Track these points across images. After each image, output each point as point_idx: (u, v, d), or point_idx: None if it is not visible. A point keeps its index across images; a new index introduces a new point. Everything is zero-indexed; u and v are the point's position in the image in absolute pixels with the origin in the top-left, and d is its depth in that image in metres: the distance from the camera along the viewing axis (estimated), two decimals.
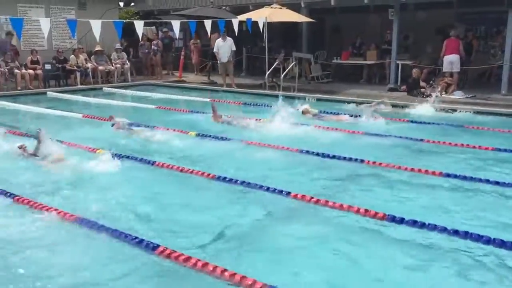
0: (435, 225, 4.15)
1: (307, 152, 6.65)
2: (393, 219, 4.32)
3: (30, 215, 4.42)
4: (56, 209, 4.43)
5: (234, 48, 14.42)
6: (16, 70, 13.22)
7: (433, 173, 5.71)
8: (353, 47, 16.02)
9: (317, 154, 6.56)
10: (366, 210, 4.49)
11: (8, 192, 4.87)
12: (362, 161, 6.23)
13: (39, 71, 13.70)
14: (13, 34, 14.35)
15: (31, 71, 13.52)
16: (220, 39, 14.30)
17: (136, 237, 3.85)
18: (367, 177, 5.76)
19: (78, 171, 5.78)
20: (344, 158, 6.34)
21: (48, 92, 12.81)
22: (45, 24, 11.80)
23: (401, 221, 4.28)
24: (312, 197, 4.84)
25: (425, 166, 5.94)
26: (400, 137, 7.60)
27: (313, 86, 14.58)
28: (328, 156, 6.47)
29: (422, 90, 12.17)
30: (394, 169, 5.93)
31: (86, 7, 17.11)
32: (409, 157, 6.57)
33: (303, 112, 9.38)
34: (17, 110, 10.62)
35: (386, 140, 7.55)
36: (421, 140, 7.44)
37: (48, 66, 14.08)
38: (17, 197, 4.75)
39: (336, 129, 8.22)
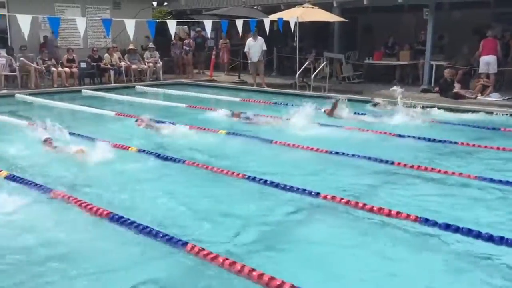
0: (469, 229, 4.05)
1: (337, 153, 6.59)
2: (425, 221, 4.23)
3: (64, 210, 4.52)
4: (89, 204, 4.52)
5: (265, 48, 14.43)
6: (53, 68, 13.58)
7: (468, 176, 5.57)
8: (386, 47, 15.78)
9: (347, 155, 6.49)
10: (398, 212, 4.42)
11: (44, 186, 4.98)
12: (392, 162, 6.13)
13: (74, 69, 14.04)
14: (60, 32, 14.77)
15: (67, 69, 13.87)
16: (251, 38, 14.34)
17: (165, 234, 3.88)
18: (398, 178, 5.67)
19: (109, 168, 5.90)
20: (375, 159, 6.26)
21: (83, 90, 13.11)
22: (81, 23, 12.10)
23: (434, 224, 4.19)
24: (342, 198, 4.79)
25: (459, 169, 5.80)
26: (431, 139, 7.45)
27: (344, 86, 14.44)
28: (358, 156, 6.40)
29: (456, 91, 11.89)
30: (426, 171, 5.82)
31: (121, 7, 17.43)
32: (442, 159, 6.43)
33: (334, 107, 9.52)
34: (52, 107, 10.89)
35: (417, 141, 7.42)
36: (455, 142, 7.27)
37: (83, 65, 14.42)
38: (54, 191, 4.85)
39: (365, 129, 8.12)
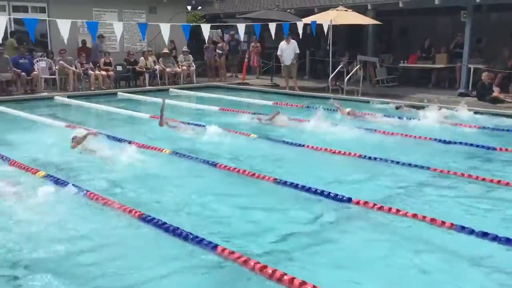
0: (508, 239, 3.92)
1: (370, 157, 6.50)
2: (462, 229, 4.12)
3: (97, 210, 4.62)
4: (122, 205, 4.60)
5: (297, 51, 14.40)
6: (90, 71, 13.94)
7: (507, 183, 5.39)
8: (422, 50, 15.48)
9: (380, 159, 6.40)
10: (433, 219, 4.32)
11: (78, 186, 5.10)
12: (428, 168, 6.00)
13: (111, 72, 14.37)
14: (104, 37, 15.19)
15: (103, 72, 14.20)
16: (284, 41, 14.34)
17: (196, 236, 3.91)
18: (433, 184, 5.55)
19: (142, 169, 6.00)
20: (409, 165, 6.14)
21: (118, 93, 13.39)
22: (118, 28, 12.38)
23: (471, 232, 4.07)
24: (375, 204, 4.72)
25: (497, 176, 5.63)
26: (468, 144, 7.26)
27: (378, 90, 14.26)
28: (391, 161, 6.30)
29: (495, 95, 11.55)
30: (463, 178, 5.67)
31: (157, 11, 17.73)
32: (478, 165, 6.26)
33: (348, 113, 9.54)
34: (89, 109, 11.17)
35: (452, 146, 7.25)
36: (494, 148, 7.06)
37: (119, 68, 14.74)
38: (88, 192, 4.97)
39: (398, 133, 7.99)
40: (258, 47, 17.55)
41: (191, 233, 3.97)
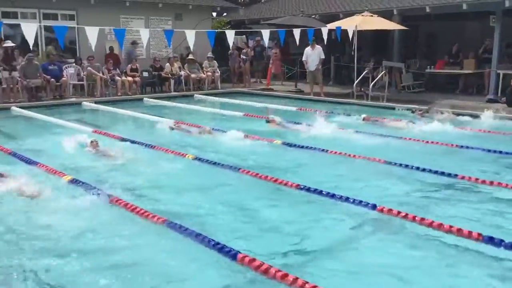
0: None
1: (395, 163, 6.41)
2: (490, 240, 4.01)
3: (121, 215, 4.66)
4: (145, 211, 4.63)
5: (322, 57, 14.34)
6: (117, 77, 14.18)
7: None
8: (449, 55, 15.22)
9: (406, 166, 6.30)
10: (459, 229, 4.21)
11: (103, 191, 5.15)
12: (455, 175, 5.87)
13: (137, 78, 14.58)
14: (138, 43, 15.45)
15: (130, 78, 14.42)
16: (309, 47, 14.31)
17: (217, 243, 3.90)
18: (460, 193, 5.42)
19: (165, 174, 6.07)
20: (436, 172, 6.02)
21: (144, 98, 13.57)
22: (144, 34, 12.57)
23: (500, 243, 3.95)
24: (399, 212, 4.64)
25: None
26: (496, 151, 7.08)
27: (404, 96, 14.07)
28: (418, 168, 6.19)
29: None
30: (491, 186, 5.53)
31: (182, 18, 17.95)
32: (508, 173, 6.09)
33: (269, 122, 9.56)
34: (116, 114, 11.34)
35: (480, 153, 7.09)
36: None
37: (145, 74, 14.95)
38: (112, 197, 5.02)
39: (423, 140, 7.86)
40: (278, 54, 17.52)
41: (212, 240, 3.96)
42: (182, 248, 4.00)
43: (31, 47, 11.25)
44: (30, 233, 4.27)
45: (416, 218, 4.48)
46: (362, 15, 14.56)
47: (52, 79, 13.05)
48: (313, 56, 14.24)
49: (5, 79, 12.64)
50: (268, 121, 9.65)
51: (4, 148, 7.16)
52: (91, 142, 7.10)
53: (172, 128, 8.87)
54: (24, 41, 11.38)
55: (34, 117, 10.52)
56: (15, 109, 11.31)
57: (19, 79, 12.62)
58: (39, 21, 14.91)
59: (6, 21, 13.53)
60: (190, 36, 12.69)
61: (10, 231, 4.33)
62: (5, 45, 12.99)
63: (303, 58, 14.57)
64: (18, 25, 11.60)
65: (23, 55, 13.20)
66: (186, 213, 4.77)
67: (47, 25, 13.92)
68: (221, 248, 3.83)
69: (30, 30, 10.43)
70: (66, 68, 13.92)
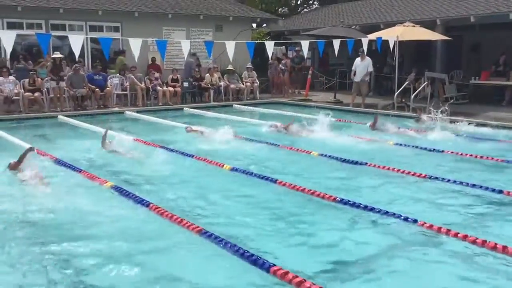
0: None
1: (436, 178, 6.24)
2: None
3: (159, 223, 4.73)
4: (182, 219, 4.67)
5: (370, 69, 14.17)
6: (159, 87, 14.49)
7: None
8: (496, 66, 14.74)
9: (448, 181, 6.12)
10: (505, 247, 4.04)
11: (143, 199, 5.27)
12: (500, 191, 5.66)
13: (178, 89, 14.86)
14: (196, 55, 15.78)
15: (171, 88, 14.72)
16: (359, 58, 14.23)
17: (252, 254, 3.88)
18: (506, 209, 5.21)
19: (203, 184, 6.14)
20: (481, 187, 5.82)
21: (184, 108, 13.80)
22: (185, 45, 12.82)
23: None
24: (440, 227, 4.50)
25: None
26: None
27: (447, 107, 13.68)
28: (459, 182, 6.00)
29: None
30: None
31: (223, 29, 18.21)
32: None
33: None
34: (156, 124, 11.56)
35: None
36: None
37: (186, 84, 15.22)
38: (152, 205, 5.11)
39: (467, 154, 7.62)
40: (288, 65, 17.36)
41: (246, 251, 3.95)
42: (214, 258, 4.01)
43: (77, 58, 11.66)
44: (70, 241, 4.40)
45: (459, 235, 4.33)
46: (404, 26, 14.34)
47: (97, 89, 13.48)
48: (361, 67, 14.15)
49: (52, 88, 13.16)
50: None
51: (50, 155, 7.42)
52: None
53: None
54: (71, 52, 11.82)
55: (78, 125, 10.88)
56: (61, 118, 11.74)
57: (66, 88, 13.11)
58: (85, 33, 15.49)
59: (55, 33, 14.10)
60: (230, 47, 12.85)
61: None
62: (54, 56, 13.54)
63: (352, 68, 14.50)
64: (65, 37, 12.09)
65: (70, 65, 13.72)
66: (219, 223, 4.80)
67: (93, 37, 14.41)
68: (255, 260, 3.81)
69: (77, 41, 10.81)
70: (111, 78, 14.35)
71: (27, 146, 7.90)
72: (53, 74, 13.29)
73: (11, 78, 12.77)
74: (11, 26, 14.53)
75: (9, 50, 10.32)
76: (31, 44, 15.20)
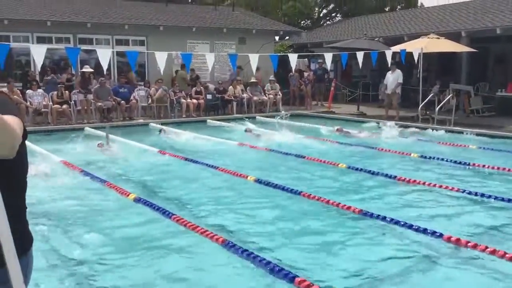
0: None
1: (463, 191, 6.14)
2: None
3: (180, 233, 4.77)
4: (205, 230, 4.69)
5: (399, 81, 14.08)
6: (183, 100, 14.68)
7: None
8: None
9: (475, 194, 6.02)
10: None
11: (165, 210, 5.33)
12: None
13: (201, 101, 15.02)
14: (242, 68, 15.96)
15: (194, 101, 14.89)
16: (390, 71, 14.21)
17: (275, 265, 3.87)
18: None
19: (226, 195, 6.19)
20: (509, 200, 5.71)
21: (207, 120, 13.92)
22: (210, 58, 12.99)
23: None
24: (468, 242, 4.42)
25: None
26: None
27: (472, 120, 13.51)
28: (488, 196, 5.90)
29: None
30: None
31: (246, 42, 18.38)
32: None
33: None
34: (180, 136, 11.66)
35: None
36: None
37: (209, 96, 15.38)
38: (173, 216, 5.16)
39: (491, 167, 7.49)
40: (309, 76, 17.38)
41: (270, 261, 3.95)
42: (237, 268, 4.02)
43: (105, 72, 11.92)
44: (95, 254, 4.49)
45: (488, 249, 4.25)
46: (428, 37, 14.24)
47: (123, 101, 13.73)
48: (391, 79, 14.16)
49: (80, 101, 13.47)
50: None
51: (77, 167, 7.58)
52: (98, 145, 8.76)
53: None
54: (97, 65, 12.10)
55: (104, 136, 11.05)
56: (88, 129, 11.98)
57: (92, 101, 13.40)
58: (112, 46, 15.83)
59: (83, 47, 14.46)
60: (253, 59, 12.96)
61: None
62: (84, 70, 13.89)
63: (384, 81, 14.54)
64: (92, 50, 12.40)
65: (97, 79, 14.03)
66: (243, 233, 4.81)
67: (120, 51, 14.73)
68: (278, 271, 3.81)
69: (105, 55, 11.07)
70: (137, 90, 14.60)
71: (55, 157, 8.10)
72: (82, 87, 13.61)
73: (40, 91, 13.14)
74: (40, 40, 14.96)
75: (39, 63, 10.64)
76: (59, 58, 15.61)
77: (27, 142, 1.78)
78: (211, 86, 15.86)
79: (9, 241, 1.30)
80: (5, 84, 12.59)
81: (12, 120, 1.54)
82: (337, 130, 11.51)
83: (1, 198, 1.32)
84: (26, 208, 1.86)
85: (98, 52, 11.21)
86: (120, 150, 9.14)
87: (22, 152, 1.64)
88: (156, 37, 16.53)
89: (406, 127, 11.99)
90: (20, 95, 12.71)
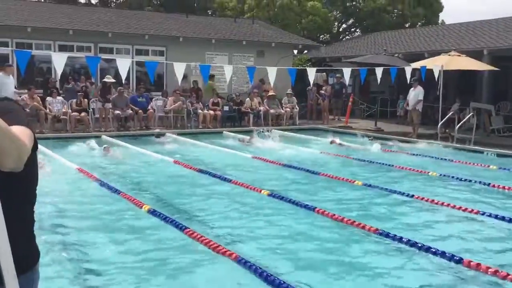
0: None
1: (483, 213, 5.97)
2: None
3: (193, 246, 4.70)
4: (217, 246, 4.59)
5: (420, 98, 13.85)
6: (199, 111, 14.70)
7: None
8: None
9: (496, 217, 5.84)
10: None
11: (179, 223, 5.26)
12: None
13: (218, 112, 15.03)
14: (265, 82, 15.92)
15: (211, 112, 14.90)
16: (412, 88, 14.08)
17: (288, 285, 3.78)
18: None
19: (240, 209, 6.12)
20: None
21: (223, 132, 13.90)
22: (228, 70, 13.00)
23: None
24: (489, 267, 4.26)
25: None
26: None
27: (493, 139, 13.24)
28: (509, 220, 5.72)
29: None
30: None
31: (264, 55, 18.40)
32: None
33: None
34: (196, 146, 11.66)
35: None
36: None
37: (226, 108, 15.38)
38: (187, 230, 5.07)
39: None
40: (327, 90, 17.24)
41: (284, 282, 3.85)
42: (244, 282, 3.93)
43: (123, 81, 12.00)
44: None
45: (510, 276, 4.08)
46: (449, 55, 14.07)
47: (140, 110, 13.80)
48: (412, 95, 14.00)
49: (98, 109, 13.58)
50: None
51: (92, 175, 7.59)
52: (104, 148, 9.37)
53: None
54: (117, 74, 12.19)
55: (120, 145, 11.11)
56: (105, 138, 12.04)
57: (111, 109, 13.49)
58: (132, 56, 15.99)
59: (103, 56, 14.62)
60: (272, 72, 12.93)
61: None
62: (106, 80, 14.01)
63: (407, 98, 14.41)
64: (113, 59, 12.52)
65: (115, 88, 14.14)
66: (258, 250, 4.72)
67: (140, 61, 14.85)
68: None
69: (124, 65, 11.15)
70: (155, 100, 14.67)
71: (71, 164, 8.14)
72: (101, 96, 13.72)
73: (59, 98, 13.30)
74: (62, 48, 15.17)
75: (59, 71, 10.76)
76: (80, 66, 15.80)
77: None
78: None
79: (8, 261, 1.23)
80: (26, 90, 12.78)
81: (20, 131, 1.49)
82: (332, 142, 11.94)
83: (2, 215, 1.26)
84: (34, 221, 1.80)
85: (118, 62, 11.31)
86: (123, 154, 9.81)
87: (30, 163, 1.58)
88: (176, 47, 16.65)
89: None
90: (40, 102, 12.86)
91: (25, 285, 1.67)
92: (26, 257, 1.72)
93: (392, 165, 9.19)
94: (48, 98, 13.15)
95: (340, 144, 11.70)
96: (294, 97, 16.62)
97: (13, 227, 1.43)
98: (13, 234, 1.37)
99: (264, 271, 4.03)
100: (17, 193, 1.63)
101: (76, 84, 14.44)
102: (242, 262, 4.26)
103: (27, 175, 1.64)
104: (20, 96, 12.73)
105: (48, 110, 12.86)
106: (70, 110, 13.10)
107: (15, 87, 12.82)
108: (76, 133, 12.61)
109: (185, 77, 15.57)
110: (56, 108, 13.08)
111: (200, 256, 4.49)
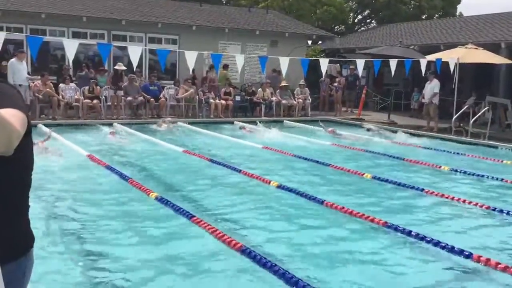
0: None
1: (494, 209, 5.86)
2: None
3: (202, 237, 4.68)
4: (227, 238, 4.54)
5: (435, 91, 13.63)
6: (211, 100, 14.66)
7: None
8: None
9: (508, 213, 5.72)
10: None
11: (187, 212, 5.25)
12: None
13: (230, 102, 14.97)
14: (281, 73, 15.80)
15: (223, 102, 14.85)
16: (428, 80, 13.87)
17: (298, 279, 3.73)
18: None
19: (247, 200, 6.08)
20: None
21: (235, 122, 13.85)
22: (240, 60, 12.91)
23: None
24: (498, 263, 4.17)
25: None
26: None
27: (509, 134, 12.99)
28: None
29: None
30: None
31: (278, 45, 18.26)
32: None
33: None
34: (206, 136, 11.64)
35: None
36: None
37: (238, 98, 15.32)
38: (194, 218, 5.06)
39: None
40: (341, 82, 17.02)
41: (301, 280, 3.77)
42: (257, 282, 3.89)
43: (134, 68, 12.00)
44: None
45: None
46: (466, 47, 13.82)
47: (152, 99, 13.81)
48: (428, 88, 13.79)
49: (110, 96, 13.62)
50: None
51: (102, 161, 7.61)
52: (110, 132, 9.83)
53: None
54: (130, 62, 12.18)
55: (131, 133, 11.13)
56: (116, 125, 12.07)
57: (123, 97, 13.52)
58: (145, 44, 15.97)
59: (116, 43, 14.61)
60: (284, 63, 12.82)
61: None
62: (117, 67, 14.03)
63: (423, 91, 14.17)
64: (126, 47, 12.51)
65: (127, 75, 14.15)
66: (266, 243, 4.68)
67: (152, 49, 14.83)
68: (295, 282, 3.66)
69: (135, 52, 11.13)
70: (167, 89, 14.66)
71: (82, 150, 8.17)
72: (113, 84, 13.74)
73: (72, 85, 13.34)
74: (76, 35, 15.21)
75: (71, 57, 10.77)
76: (93, 54, 15.83)
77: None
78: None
79: None
80: (39, 76, 12.84)
81: (12, 114, 1.44)
82: (330, 131, 12.15)
83: None
84: (29, 206, 1.77)
85: (129, 49, 11.29)
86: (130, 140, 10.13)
87: (23, 147, 1.54)
88: (189, 36, 16.59)
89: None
90: (53, 88, 12.92)
91: (17, 271, 1.65)
92: (20, 241, 1.69)
93: (403, 159, 9.07)
94: (61, 85, 13.21)
95: (337, 134, 11.93)
96: (306, 88, 16.49)
97: (1, 212, 1.40)
98: (2, 218, 1.34)
99: (268, 261, 4.00)
100: (7, 178, 1.59)
101: (90, 71, 14.48)
102: (247, 252, 4.22)
103: (20, 160, 1.61)
104: (34, 82, 12.81)
105: (60, 97, 12.92)
106: (82, 97, 13.15)
107: (29, 73, 12.90)
108: (87, 120, 12.67)
109: (211, 68, 15.60)
110: (68, 94, 13.13)
111: (206, 246, 4.47)
